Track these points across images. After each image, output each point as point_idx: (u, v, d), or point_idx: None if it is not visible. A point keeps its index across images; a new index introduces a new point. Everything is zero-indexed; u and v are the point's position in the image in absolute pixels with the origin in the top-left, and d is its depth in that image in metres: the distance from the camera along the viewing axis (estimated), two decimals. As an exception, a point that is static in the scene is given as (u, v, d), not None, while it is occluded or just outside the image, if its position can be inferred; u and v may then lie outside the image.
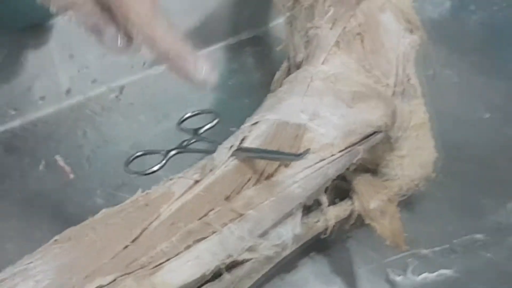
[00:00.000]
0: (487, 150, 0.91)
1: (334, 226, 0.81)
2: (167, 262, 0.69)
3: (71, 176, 0.80)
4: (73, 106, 0.85)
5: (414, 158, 0.84)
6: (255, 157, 0.75)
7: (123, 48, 0.72)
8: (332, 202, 0.81)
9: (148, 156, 0.83)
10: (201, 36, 0.90)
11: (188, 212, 0.72)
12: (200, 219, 0.72)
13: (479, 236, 0.84)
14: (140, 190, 0.74)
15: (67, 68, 0.80)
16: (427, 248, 0.84)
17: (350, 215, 0.81)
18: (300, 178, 0.76)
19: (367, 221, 0.80)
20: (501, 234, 0.85)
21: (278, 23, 0.95)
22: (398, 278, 0.81)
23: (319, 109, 0.79)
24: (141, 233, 0.70)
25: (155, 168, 0.80)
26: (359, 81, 0.82)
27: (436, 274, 0.82)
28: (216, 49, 0.91)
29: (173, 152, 0.81)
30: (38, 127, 0.83)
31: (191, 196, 0.73)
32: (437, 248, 0.83)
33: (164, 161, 0.81)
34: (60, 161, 0.80)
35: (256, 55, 0.92)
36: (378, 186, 0.81)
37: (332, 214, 0.80)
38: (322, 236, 0.81)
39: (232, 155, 0.76)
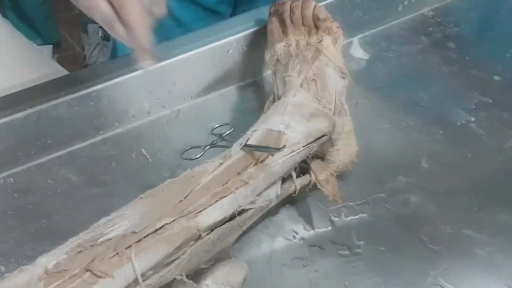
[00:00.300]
0: (386, 145, 0.92)
1: (299, 189, 0.80)
2: (204, 210, 0.69)
3: (150, 160, 0.79)
4: (151, 121, 0.85)
5: (345, 150, 0.84)
6: (254, 150, 0.75)
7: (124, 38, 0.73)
8: (298, 175, 0.80)
9: (193, 149, 0.83)
10: (222, 80, 0.90)
11: (216, 181, 0.72)
12: (223, 185, 0.71)
13: (382, 195, 0.85)
14: (189, 169, 0.73)
15: (148, 99, 0.81)
16: (352, 202, 0.84)
17: (308, 183, 0.81)
18: (280, 162, 0.76)
19: (318, 186, 0.80)
20: (395, 193, 0.86)
21: (267, 73, 0.94)
22: (336, 219, 0.82)
23: (291, 123, 0.79)
24: (189, 193, 0.70)
25: (197, 156, 0.81)
26: (314, 106, 0.82)
27: (357, 217, 0.82)
28: (232, 89, 0.93)
29: (207, 147, 0.82)
30: (131, 133, 0.83)
31: (218, 172, 0.73)
32: (358, 202, 0.84)
33: (202, 152, 0.81)
34: (144, 152, 0.80)
35: (256, 92, 0.93)
36: (325, 166, 0.82)
37: (298, 182, 0.80)
38: (293, 195, 0.81)
39: (241, 149, 0.76)
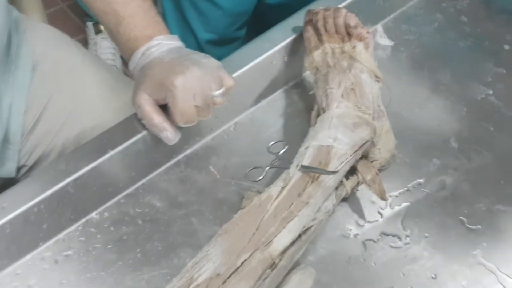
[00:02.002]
0: (418, 129, 0.83)
1: (350, 192, 0.72)
2: (275, 238, 0.63)
3: (218, 176, 0.72)
4: (214, 138, 0.78)
5: (385, 148, 0.76)
6: (310, 171, 0.67)
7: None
8: (347, 177, 0.72)
9: (255, 169, 0.75)
10: (269, 88, 0.83)
11: (281, 207, 0.65)
12: (287, 210, 0.64)
13: (421, 180, 0.77)
14: (256, 197, 0.66)
15: (209, 118, 0.70)
16: (395, 191, 0.76)
17: (357, 183, 0.72)
18: (333, 177, 0.67)
19: (366, 187, 0.72)
20: (432, 177, 0.77)
21: (307, 73, 0.85)
22: (383, 210, 0.74)
23: (337, 135, 0.71)
24: (260, 223, 0.63)
25: (260, 178, 0.73)
26: (355, 115, 0.73)
27: (402, 206, 0.75)
28: (278, 94, 0.85)
29: (267, 168, 0.73)
30: (198, 152, 0.77)
31: (281, 198, 0.66)
32: (400, 191, 0.76)
33: (264, 174, 0.73)
34: (212, 169, 0.72)
35: (299, 93, 0.84)
36: (369, 166, 0.73)
37: (349, 186, 0.72)
38: (345, 196, 0.72)
39: (298, 170, 0.67)
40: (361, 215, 0.74)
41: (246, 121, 0.82)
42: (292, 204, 0.65)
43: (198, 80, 0.66)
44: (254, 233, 0.62)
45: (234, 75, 0.79)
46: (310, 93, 0.81)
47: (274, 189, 0.67)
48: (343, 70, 0.77)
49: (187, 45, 1.09)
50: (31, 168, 0.86)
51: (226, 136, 0.80)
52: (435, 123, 0.84)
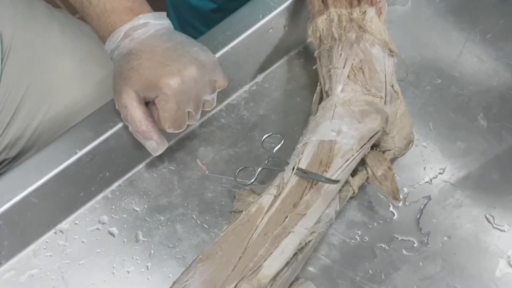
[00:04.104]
0: (441, 105, 0.71)
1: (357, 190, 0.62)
2: (264, 262, 0.53)
3: (206, 172, 0.62)
4: (201, 125, 0.66)
5: (400, 134, 0.64)
6: (308, 177, 0.56)
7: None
8: (354, 172, 0.61)
9: (246, 169, 0.64)
10: (266, 61, 0.72)
11: (273, 222, 0.56)
12: (280, 225, 0.54)
13: (441, 169, 0.68)
14: (243, 212, 0.56)
15: None
16: (412, 184, 0.66)
17: (367, 179, 0.62)
18: (335, 177, 0.57)
19: (377, 184, 0.61)
20: (456, 164, 0.67)
21: (310, 40, 0.72)
22: (397, 208, 0.64)
23: (342, 127, 0.60)
24: (247, 244, 0.54)
25: (252, 181, 0.62)
26: (363, 99, 0.62)
27: (419, 201, 0.66)
28: (276, 67, 0.74)
29: (259, 169, 0.62)
30: (184, 143, 0.66)
31: (274, 210, 0.56)
32: (420, 183, 0.66)
33: (256, 175, 0.63)
34: (200, 163, 0.62)
35: (301, 65, 0.73)
36: (381, 159, 0.63)
37: (356, 184, 0.62)
38: (351, 196, 0.62)
39: (294, 174, 0.57)
40: (370, 214, 0.64)
41: (240, 101, 0.72)
42: (287, 217, 0.55)
43: (195, 83, 0.57)
44: (240, 257, 0.53)
45: (223, 50, 0.68)
46: (314, 67, 0.69)
47: (266, 197, 0.57)
48: (350, 44, 0.65)
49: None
50: (14, 160, 0.78)
51: (216, 122, 0.70)
52: (461, 95, 0.72)
